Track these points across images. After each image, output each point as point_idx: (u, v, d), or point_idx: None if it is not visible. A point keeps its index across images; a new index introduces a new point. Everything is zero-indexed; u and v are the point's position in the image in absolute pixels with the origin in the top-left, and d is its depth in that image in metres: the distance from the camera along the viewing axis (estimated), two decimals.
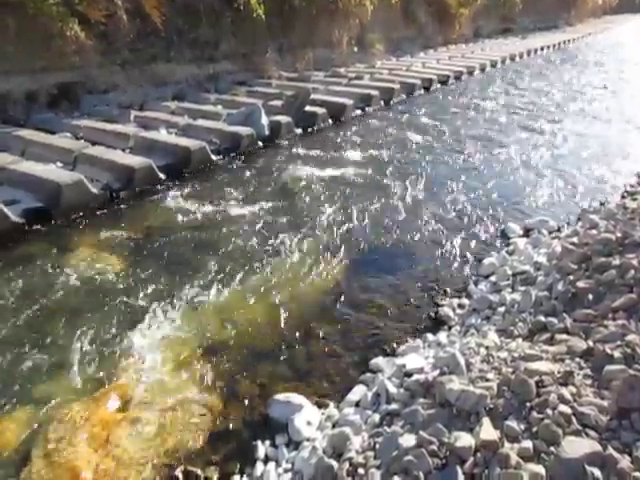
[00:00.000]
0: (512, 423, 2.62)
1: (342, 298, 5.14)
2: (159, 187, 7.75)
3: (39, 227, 6.42)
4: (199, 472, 3.31)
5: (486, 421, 2.65)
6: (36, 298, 5.04)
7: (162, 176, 7.94)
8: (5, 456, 3.44)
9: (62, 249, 5.99)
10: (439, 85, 15.91)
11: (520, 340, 3.62)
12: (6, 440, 3.55)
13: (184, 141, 8.79)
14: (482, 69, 18.99)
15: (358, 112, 12.42)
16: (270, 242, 6.16)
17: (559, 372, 2.94)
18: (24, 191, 6.84)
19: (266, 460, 3.39)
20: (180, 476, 3.28)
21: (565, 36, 31.13)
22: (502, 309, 4.44)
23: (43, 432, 3.57)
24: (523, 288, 4.63)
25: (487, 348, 3.50)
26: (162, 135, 9.30)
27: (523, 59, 22.74)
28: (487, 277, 5.37)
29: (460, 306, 4.90)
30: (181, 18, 12.47)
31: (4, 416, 3.73)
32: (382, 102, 13.33)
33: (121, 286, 5.28)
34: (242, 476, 3.29)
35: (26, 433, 3.59)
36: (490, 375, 3.06)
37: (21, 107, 10.13)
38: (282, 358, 4.31)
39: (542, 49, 25.53)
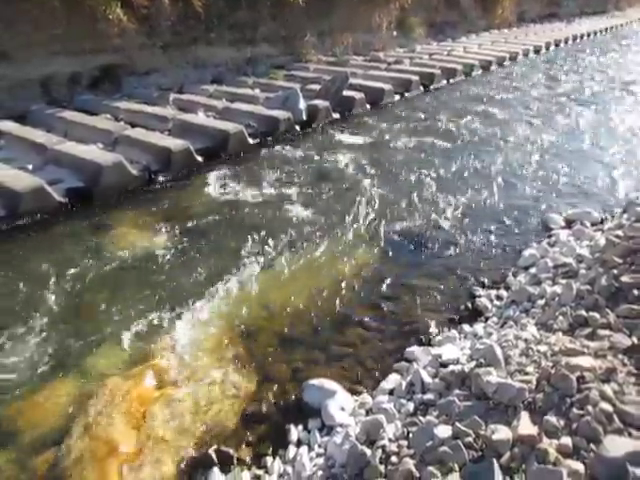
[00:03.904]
0: (551, 418, 2.57)
1: (377, 284, 5.11)
2: (196, 169, 7.83)
3: (80, 206, 6.58)
4: (232, 452, 3.35)
5: (524, 415, 2.60)
6: (76, 275, 5.18)
7: (199, 159, 8.02)
8: (46, 426, 3.56)
9: (102, 228, 6.14)
10: (481, 71, 15.54)
11: (560, 334, 3.52)
12: (47, 411, 3.67)
13: (222, 124, 8.84)
14: (525, 55, 18.45)
15: (397, 97, 12.24)
16: (306, 226, 6.17)
17: (601, 368, 2.86)
18: (67, 171, 7.02)
19: (299, 444, 3.41)
20: (213, 455, 3.33)
21: (614, 21, 29.93)
22: (542, 302, 4.34)
23: (83, 405, 3.68)
24: (564, 281, 4.51)
25: (526, 341, 3.43)
26: (200, 118, 9.38)
27: (568, 45, 21.97)
28: (527, 268, 5.26)
29: (498, 297, 4.82)
30: (221, 1, 12.48)
31: (46, 387, 3.86)
32: (422, 87, 13.10)
33: (159, 266, 5.37)
34: (275, 458, 3.33)
35: (66, 405, 3.71)
36: (529, 369, 3.01)
37: (64, 89, 10.35)
38: (316, 343, 4.32)
39: (589, 35, 24.60)
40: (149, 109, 9.69)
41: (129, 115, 9.49)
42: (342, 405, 3.57)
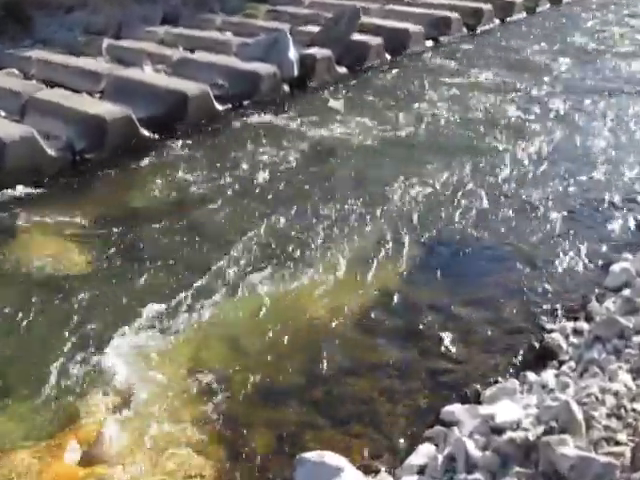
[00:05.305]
0: None
1: (402, 314, 5.13)
2: (141, 147, 7.87)
3: None
4: None
5: None
6: None
7: (145, 132, 8.07)
8: None
9: (5, 232, 6.15)
10: (549, 5, 15.64)
11: None
12: None
13: (177, 83, 8.91)
14: None
15: (429, 43, 12.36)
16: (295, 229, 6.20)
17: None
18: None
19: None
20: None
21: None
22: (639, 339, 4.35)
23: None
24: None
25: (616, 395, 3.44)
26: (146, 75, 9.44)
27: None
28: (617, 291, 5.26)
29: (576, 332, 4.82)
30: None
31: None
32: (465, 29, 13.25)
33: (84, 286, 5.36)
34: None
35: None
36: (621, 436, 3.01)
37: None
38: (314, 398, 4.32)
39: None
40: (73, 61, 9.74)
41: (44, 69, 9.54)
42: None
